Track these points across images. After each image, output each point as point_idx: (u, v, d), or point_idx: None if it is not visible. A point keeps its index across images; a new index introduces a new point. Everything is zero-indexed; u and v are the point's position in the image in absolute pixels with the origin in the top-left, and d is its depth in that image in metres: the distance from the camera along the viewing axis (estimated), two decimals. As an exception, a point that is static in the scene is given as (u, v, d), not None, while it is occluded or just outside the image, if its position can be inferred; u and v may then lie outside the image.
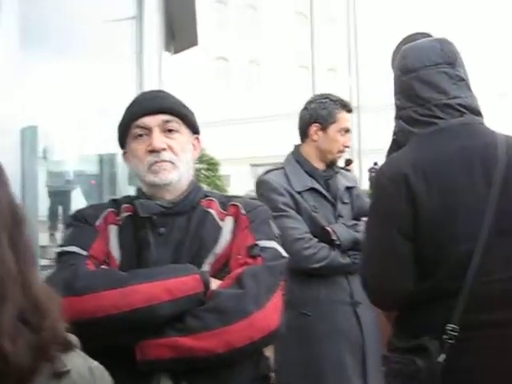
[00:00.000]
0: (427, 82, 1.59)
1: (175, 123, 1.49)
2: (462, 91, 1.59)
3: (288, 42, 37.93)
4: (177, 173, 1.47)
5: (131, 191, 3.58)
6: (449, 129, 1.55)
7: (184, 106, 1.56)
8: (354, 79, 14.18)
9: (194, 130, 1.59)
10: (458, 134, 1.54)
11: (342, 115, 2.52)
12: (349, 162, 10.88)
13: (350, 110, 2.56)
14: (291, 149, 2.62)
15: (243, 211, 1.48)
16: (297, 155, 2.56)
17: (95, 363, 0.82)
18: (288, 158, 2.61)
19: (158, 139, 1.44)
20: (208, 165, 19.82)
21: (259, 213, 1.50)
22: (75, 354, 0.80)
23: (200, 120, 1.68)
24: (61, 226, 3.63)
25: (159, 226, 1.43)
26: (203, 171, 19.24)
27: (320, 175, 2.52)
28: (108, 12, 3.45)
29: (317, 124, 2.51)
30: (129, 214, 1.49)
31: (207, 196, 1.56)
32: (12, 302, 0.71)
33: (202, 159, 19.40)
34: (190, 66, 33.06)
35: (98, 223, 1.46)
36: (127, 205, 1.51)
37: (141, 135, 1.47)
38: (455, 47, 1.65)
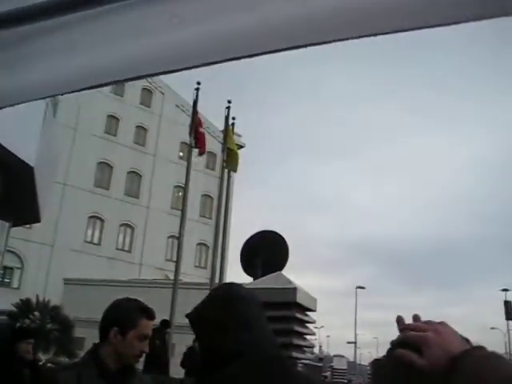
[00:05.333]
0: None
1: None
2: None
3: (162, 208, 39.19)
4: None
5: None
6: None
7: None
8: (218, 259, 14.96)
9: None
10: None
11: (143, 322, 2.54)
12: (165, 323, 11.10)
13: (151, 318, 2.60)
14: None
15: None
16: (93, 354, 2.53)
17: None
18: (85, 356, 2.58)
19: None
20: (60, 325, 18.71)
21: None
22: None
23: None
24: None
25: None
26: (55, 332, 18.20)
27: (113, 378, 2.47)
28: None
29: (116, 328, 2.49)
30: None
31: None
32: None
33: (54, 318, 18.37)
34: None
35: None
36: None
37: None
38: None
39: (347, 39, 0.90)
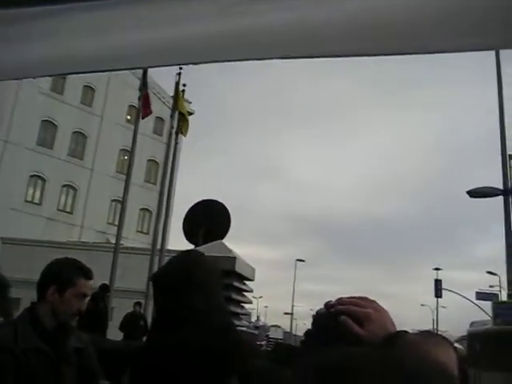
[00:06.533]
0: None
1: None
2: None
3: (106, 171, 38.65)
4: None
5: None
6: None
7: None
8: (161, 225, 15.05)
9: None
10: None
11: (81, 281, 2.58)
12: (105, 286, 11.27)
13: (89, 277, 2.63)
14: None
15: None
16: (30, 312, 2.55)
17: None
18: (22, 313, 2.58)
19: None
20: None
21: None
22: None
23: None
24: None
25: None
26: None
27: (49, 335, 2.50)
28: None
29: (54, 286, 2.52)
30: None
31: None
32: None
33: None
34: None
35: None
36: None
37: None
38: None
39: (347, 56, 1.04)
